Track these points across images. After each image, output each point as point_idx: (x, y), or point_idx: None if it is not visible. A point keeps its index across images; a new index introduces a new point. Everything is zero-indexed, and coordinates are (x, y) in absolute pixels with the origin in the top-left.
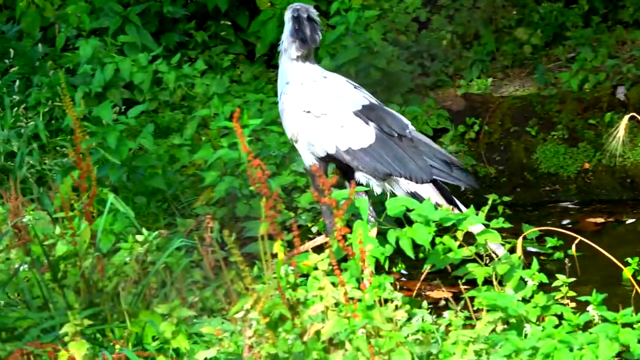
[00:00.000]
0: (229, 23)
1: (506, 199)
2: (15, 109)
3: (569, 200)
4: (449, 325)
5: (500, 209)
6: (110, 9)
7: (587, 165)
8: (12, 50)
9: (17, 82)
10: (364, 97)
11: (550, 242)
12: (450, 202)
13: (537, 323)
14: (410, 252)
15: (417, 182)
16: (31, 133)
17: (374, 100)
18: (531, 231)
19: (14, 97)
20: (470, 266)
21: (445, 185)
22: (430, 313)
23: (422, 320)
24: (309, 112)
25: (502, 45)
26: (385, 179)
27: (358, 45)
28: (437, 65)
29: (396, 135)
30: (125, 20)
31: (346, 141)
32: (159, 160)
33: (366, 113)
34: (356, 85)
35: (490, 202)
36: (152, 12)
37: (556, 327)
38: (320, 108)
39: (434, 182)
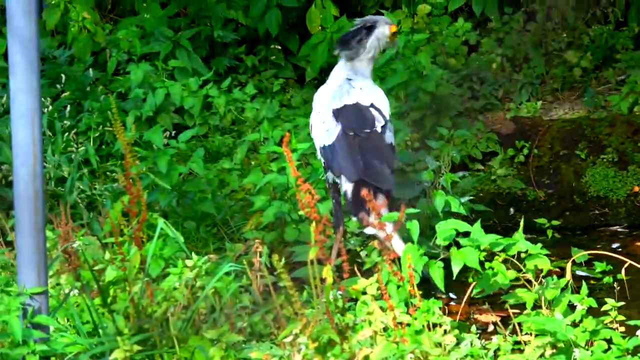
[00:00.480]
0: (279, 47)
1: (555, 222)
2: (66, 134)
3: (619, 223)
4: (498, 349)
5: (549, 232)
6: (161, 33)
7: (636, 189)
8: (63, 76)
9: (68, 107)
10: (350, 97)
11: (599, 266)
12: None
13: (586, 348)
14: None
15: (349, 181)
16: (82, 158)
17: (362, 101)
18: (580, 255)
19: (65, 122)
20: (520, 291)
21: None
22: (479, 337)
23: (471, 344)
24: (315, 111)
25: (551, 68)
26: (338, 175)
27: (407, 69)
28: (487, 89)
29: (352, 133)
30: (176, 44)
31: (323, 139)
32: (209, 184)
33: (339, 112)
34: (366, 87)
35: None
36: (203, 36)
37: (605, 351)
38: (317, 107)
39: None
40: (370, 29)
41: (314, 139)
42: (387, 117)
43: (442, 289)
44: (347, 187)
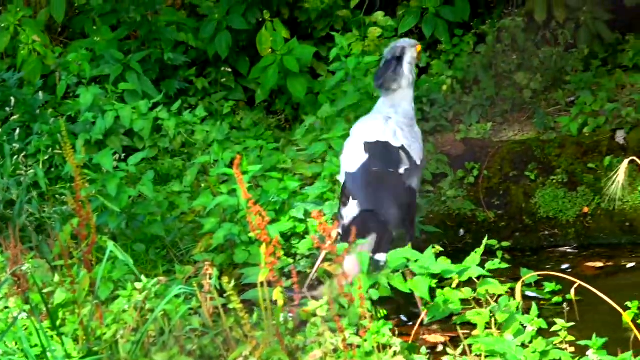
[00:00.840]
0: (229, 69)
1: (505, 243)
2: (15, 157)
3: (568, 244)
4: None
5: (499, 253)
6: (111, 56)
7: (586, 210)
8: (12, 99)
9: (18, 130)
10: (384, 135)
11: (549, 286)
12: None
13: None
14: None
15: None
16: (31, 181)
17: (394, 142)
18: (530, 276)
19: (14, 145)
20: (470, 313)
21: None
22: (428, 359)
23: None
24: (350, 138)
25: (501, 90)
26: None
27: (358, 91)
28: (437, 110)
29: (375, 168)
30: (126, 67)
31: (349, 165)
32: (159, 207)
33: (370, 145)
34: (403, 129)
35: (483, 245)
36: (153, 59)
37: None
38: (353, 135)
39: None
40: (400, 58)
41: (341, 162)
42: (417, 161)
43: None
44: (353, 211)
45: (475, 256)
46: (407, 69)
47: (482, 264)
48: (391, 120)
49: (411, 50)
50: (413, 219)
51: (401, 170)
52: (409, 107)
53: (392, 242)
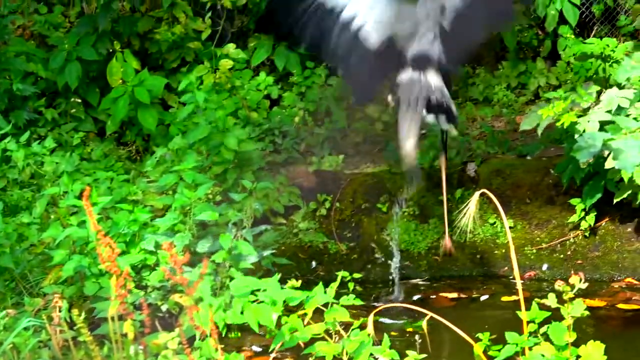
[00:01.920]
0: (79, 100)
1: (357, 275)
2: None
3: (420, 276)
4: None
5: (350, 285)
6: None
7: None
8: None
9: None
10: None
11: (401, 318)
12: None
13: None
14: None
15: None
16: None
17: None
18: (381, 307)
19: None
20: (319, 344)
21: None
22: None
23: None
24: None
25: (353, 122)
26: None
27: (209, 124)
28: (289, 142)
29: None
30: None
31: None
32: (7, 238)
33: None
34: None
35: (339, 279)
36: (2, 90)
37: None
38: None
39: None
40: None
41: None
42: None
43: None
44: None
45: (331, 290)
46: None
47: (336, 298)
48: None
49: None
50: None
51: None
52: None
53: None
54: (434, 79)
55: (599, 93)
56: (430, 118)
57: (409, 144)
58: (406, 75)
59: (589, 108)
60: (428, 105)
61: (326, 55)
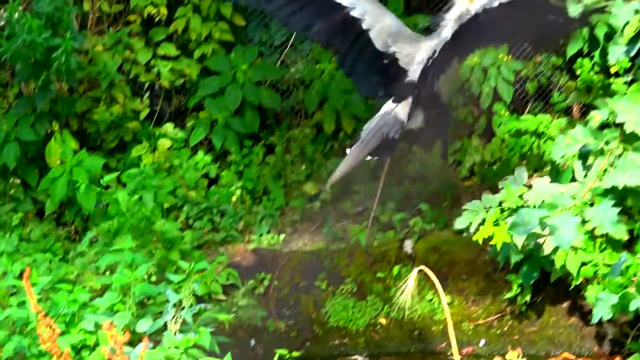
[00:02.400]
0: (18, 181)
1: (295, 353)
2: None
3: (359, 353)
4: None
5: None
6: None
7: (383, 321)
8: None
9: None
10: None
11: None
12: None
13: None
14: None
15: None
16: None
17: None
18: None
19: None
20: None
21: None
22: None
23: None
24: None
25: (291, 200)
26: None
27: (154, 201)
28: (227, 221)
29: None
30: None
31: None
32: None
33: None
34: None
35: (277, 357)
36: None
37: None
38: None
39: None
40: None
41: None
42: None
43: None
44: None
45: None
46: None
47: None
48: None
49: None
50: None
51: None
52: None
53: None
54: (401, 113)
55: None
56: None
57: (336, 175)
58: (385, 107)
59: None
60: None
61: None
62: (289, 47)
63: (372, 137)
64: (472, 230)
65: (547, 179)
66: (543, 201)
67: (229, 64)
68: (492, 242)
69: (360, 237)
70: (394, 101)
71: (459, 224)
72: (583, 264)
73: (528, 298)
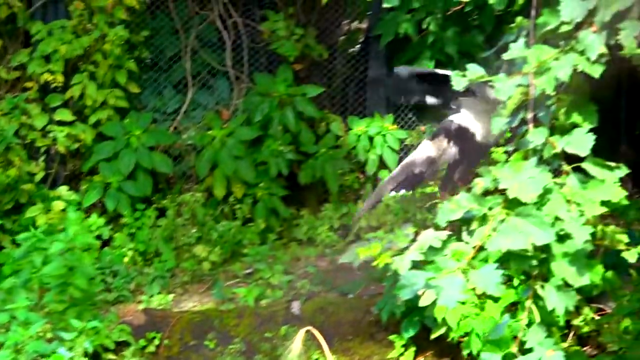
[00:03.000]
0: None
1: None
2: None
3: None
4: None
5: None
6: None
7: None
8: None
9: None
10: None
11: None
12: None
13: None
14: None
15: None
16: None
17: None
18: None
19: None
20: None
21: None
22: None
23: None
24: None
25: (182, 262)
26: None
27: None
28: (119, 281)
29: None
30: None
31: None
32: None
33: None
34: None
35: None
36: None
37: None
38: None
39: None
40: None
41: None
42: None
43: None
44: None
45: None
46: None
47: None
48: None
49: None
50: None
51: None
52: None
53: None
54: (432, 150)
55: (416, 233)
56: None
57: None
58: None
59: (406, 248)
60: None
61: None
62: (181, 114)
63: (399, 171)
64: (355, 265)
65: (431, 230)
66: (432, 261)
67: (123, 130)
68: (374, 263)
69: (248, 299)
70: (428, 139)
71: (344, 259)
72: (464, 317)
73: (411, 357)
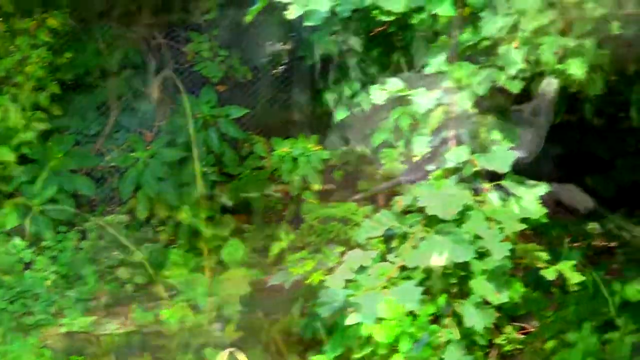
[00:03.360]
0: None
1: None
2: None
3: None
4: None
5: None
6: None
7: None
8: None
9: None
10: None
11: None
12: None
13: None
14: None
15: None
16: None
17: None
18: None
19: None
20: None
21: None
22: None
23: None
24: None
25: (104, 284)
26: None
27: None
28: (41, 305)
29: None
30: None
31: None
32: None
33: None
34: None
35: None
36: None
37: None
38: None
39: None
40: None
41: None
42: None
43: None
44: None
45: None
46: None
47: None
48: None
49: None
50: None
51: None
52: None
53: None
54: None
55: (342, 253)
56: None
57: None
58: None
59: (333, 267)
60: None
61: None
62: (104, 136)
63: None
64: (287, 285)
65: (358, 250)
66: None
67: (45, 152)
68: (307, 281)
69: (172, 320)
70: None
71: (274, 280)
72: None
73: None
